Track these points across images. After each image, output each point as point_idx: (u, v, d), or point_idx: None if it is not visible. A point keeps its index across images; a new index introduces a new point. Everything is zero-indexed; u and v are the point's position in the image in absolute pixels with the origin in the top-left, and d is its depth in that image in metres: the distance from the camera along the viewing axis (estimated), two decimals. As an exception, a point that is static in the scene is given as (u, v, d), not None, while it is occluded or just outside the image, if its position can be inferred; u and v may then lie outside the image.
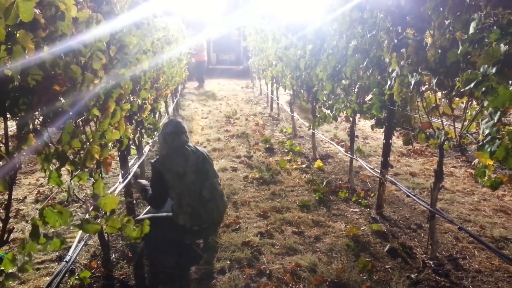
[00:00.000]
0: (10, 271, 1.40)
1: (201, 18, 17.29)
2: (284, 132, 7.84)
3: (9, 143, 1.50)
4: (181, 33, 9.40)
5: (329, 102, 5.01)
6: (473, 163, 4.97)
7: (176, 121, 3.35)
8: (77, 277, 2.80)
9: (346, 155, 4.88)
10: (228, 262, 3.04)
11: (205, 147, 6.72)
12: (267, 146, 6.68)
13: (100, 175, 2.71)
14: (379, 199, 3.93)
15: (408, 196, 3.53)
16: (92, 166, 2.11)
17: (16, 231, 3.62)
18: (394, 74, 3.18)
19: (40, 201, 4.39)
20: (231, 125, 8.55)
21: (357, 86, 4.26)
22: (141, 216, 3.28)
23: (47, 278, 2.85)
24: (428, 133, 3.10)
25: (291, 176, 5.16)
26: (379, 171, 4.05)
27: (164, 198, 3.07)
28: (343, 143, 6.79)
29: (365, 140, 7.03)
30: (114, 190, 3.25)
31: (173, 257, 3.07)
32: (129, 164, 4.03)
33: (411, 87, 2.96)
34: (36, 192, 4.57)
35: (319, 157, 6.04)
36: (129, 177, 3.55)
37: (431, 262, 3.04)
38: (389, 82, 3.31)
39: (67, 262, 2.11)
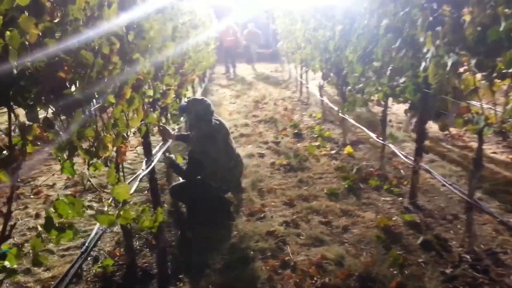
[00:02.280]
0: (14, 266, 1.35)
1: (229, 1, 17.11)
2: (313, 117, 7.64)
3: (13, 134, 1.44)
4: (208, 17, 9.30)
5: (360, 85, 4.78)
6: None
7: (207, 104, 3.59)
8: (100, 265, 2.80)
9: (377, 141, 4.67)
10: (252, 252, 2.95)
11: (232, 132, 6.64)
12: (296, 131, 6.52)
13: (121, 164, 2.67)
14: (412, 188, 3.72)
15: (443, 185, 3.31)
16: (107, 155, 2.05)
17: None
18: (429, 55, 2.95)
19: (69, 187, 4.45)
20: (259, 110, 8.43)
21: (389, 68, 4.02)
22: (178, 182, 3.82)
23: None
24: (466, 118, 2.87)
25: (320, 163, 5.01)
26: (412, 158, 3.83)
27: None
28: (375, 128, 6.53)
29: (399, 125, 6.73)
30: (137, 177, 3.21)
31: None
32: (154, 151, 3.99)
33: (448, 68, 2.73)
34: (66, 178, 4.64)
35: (349, 142, 5.83)
36: (153, 164, 3.51)
37: (468, 257, 2.84)
38: (423, 64, 3.08)
39: (83, 253, 2.07)
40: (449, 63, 2.70)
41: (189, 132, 3.99)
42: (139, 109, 2.49)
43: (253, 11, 17.17)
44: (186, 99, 3.98)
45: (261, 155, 5.33)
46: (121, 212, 1.98)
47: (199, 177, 3.61)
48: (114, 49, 2.02)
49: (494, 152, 5.26)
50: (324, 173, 4.65)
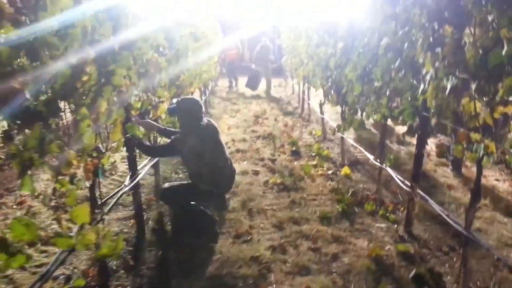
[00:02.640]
0: None
1: (237, 17, 17.11)
2: (313, 135, 7.49)
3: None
4: (212, 30, 9.23)
5: (359, 105, 4.64)
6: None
7: (197, 101, 3.64)
8: (71, 285, 2.64)
9: (374, 163, 4.50)
10: (233, 279, 2.78)
11: (229, 147, 6.50)
12: (294, 149, 6.36)
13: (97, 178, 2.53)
14: (408, 216, 3.54)
15: (440, 215, 3.13)
16: (71, 172, 1.90)
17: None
18: (428, 77, 2.81)
19: (55, 198, 4.29)
20: (259, 125, 8.29)
21: (389, 89, 3.88)
22: (167, 185, 3.85)
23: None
24: (465, 145, 2.71)
25: (315, 183, 4.84)
26: (405, 182, 3.67)
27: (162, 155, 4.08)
28: (375, 148, 6.36)
29: (400, 146, 6.56)
30: (118, 194, 3.07)
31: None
32: (142, 165, 3.85)
33: (447, 92, 2.58)
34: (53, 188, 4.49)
35: (347, 163, 5.66)
36: (137, 178, 3.37)
37: (463, 294, 2.65)
38: (422, 86, 2.94)
39: (42, 277, 1.91)
40: (448, 86, 2.56)
41: (175, 129, 3.97)
42: (117, 123, 2.36)
43: (260, 26, 17.19)
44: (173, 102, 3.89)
45: (256, 173, 5.17)
46: (79, 238, 1.82)
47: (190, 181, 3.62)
48: (87, 59, 1.89)
49: (497, 180, 5.08)
50: (319, 195, 4.47)
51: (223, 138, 7.02)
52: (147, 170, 3.98)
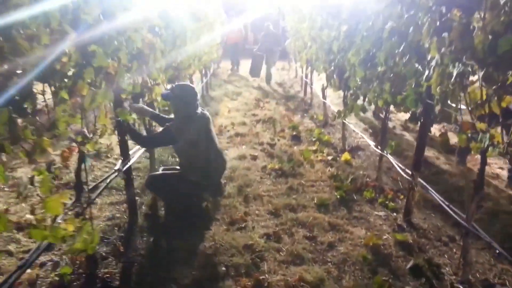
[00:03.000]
0: None
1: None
2: (314, 119, 7.37)
3: None
4: (215, 11, 9.02)
5: (361, 90, 4.51)
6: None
7: (192, 87, 3.51)
8: (57, 272, 2.57)
9: (375, 150, 4.40)
10: (224, 268, 2.71)
11: (228, 131, 6.40)
12: (294, 133, 6.26)
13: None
14: (407, 204, 3.45)
15: (441, 205, 3.04)
16: (47, 160, 1.81)
17: None
18: (433, 63, 2.67)
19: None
20: (260, 108, 8.17)
21: (392, 74, 3.74)
22: (156, 173, 3.69)
23: (28, 270, 2.64)
24: (470, 134, 2.60)
25: (314, 169, 4.74)
26: (407, 170, 3.57)
27: (153, 145, 3.89)
28: (377, 135, 6.25)
29: (402, 133, 6.44)
30: (107, 179, 2.99)
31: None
32: (134, 150, 3.76)
33: (453, 78, 2.45)
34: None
35: (348, 149, 5.56)
36: (129, 163, 3.28)
37: (461, 287, 2.58)
38: (427, 72, 2.81)
39: (20, 267, 1.83)
40: (455, 73, 2.43)
41: (169, 117, 3.80)
42: (101, 108, 2.25)
43: (264, 8, 16.85)
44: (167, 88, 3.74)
45: (254, 157, 5.07)
46: (51, 230, 1.73)
47: (178, 168, 3.55)
48: (66, 38, 1.78)
49: (501, 167, 4.97)
50: (317, 181, 4.38)
51: (223, 122, 6.96)
52: (141, 153, 3.89)
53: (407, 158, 5.24)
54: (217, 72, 13.21)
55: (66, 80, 1.87)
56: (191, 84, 3.53)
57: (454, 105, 2.94)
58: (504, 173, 4.76)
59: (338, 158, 5.15)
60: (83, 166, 2.60)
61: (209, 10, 7.64)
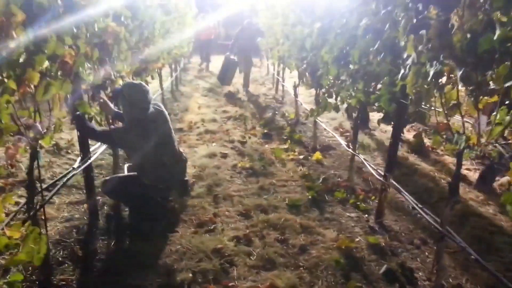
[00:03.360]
0: None
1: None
2: (286, 117, 7.28)
3: None
4: (186, 4, 8.77)
5: (334, 88, 4.44)
6: (499, 182, 4.35)
7: (144, 90, 3.11)
8: (7, 280, 2.34)
9: (347, 150, 4.34)
10: (191, 274, 2.55)
11: (198, 127, 6.22)
12: (265, 131, 6.14)
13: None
14: (379, 206, 3.40)
15: (414, 208, 2.99)
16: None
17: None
18: (409, 61, 2.61)
19: (3, 177, 3.93)
20: (231, 105, 8.01)
21: (366, 72, 3.68)
22: (111, 176, 3.46)
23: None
24: (445, 136, 2.55)
25: (285, 168, 4.64)
26: (379, 170, 3.52)
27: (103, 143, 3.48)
28: (348, 134, 6.22)
29: (373, 132, 6.44)
30: (64, 177, 2.77)
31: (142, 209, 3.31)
32: (95, 146, 3.54)
33: (429, 78, 2.39)
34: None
35: (319, 148, 5.50)
36: (89, 161, 3.06)
37: (435, 292, 2.53)
38: (402, 71, 2.74)
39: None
40: (431, 72, 2.36)
41: None
42: (55, 99, 2.05)
43: (238, 4, 16.64)
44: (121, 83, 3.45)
45: (224, 156, 4.92)
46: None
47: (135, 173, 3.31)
48: (13, 21, 1.57)
49: (468, 169, 5.02)
50: (289, 180, 4.28)
51: (193, 118, 6.76)
52: (104, 150, 3.66)
53: (376, 158, 5.24)
54: (188, 67, 12.94)
55: (16, 69, 1.66)
56: (142, 84, 3.16)
57: (428, 105, 2.90)
58: (471, 174, 4.81)
59: (309, 157, 5.07)
60: (36, 163, 2.38)
61: (180, 3, 7.40)
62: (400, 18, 2.74)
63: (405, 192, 3.05)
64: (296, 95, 7.16)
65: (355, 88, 3.82)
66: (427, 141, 5.61)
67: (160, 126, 3.22)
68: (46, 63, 1.92)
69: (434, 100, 2.68)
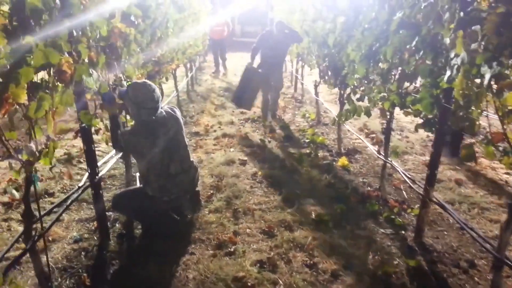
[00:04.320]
0: None
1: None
2: (306, 118, 6.92)
3: None
4: (200, 1, 8.49)
5: (361, 88, 4.08)
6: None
7: (150, 89, 2.84)
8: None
9: (378, 156, 3.97)
10: (209, 310, 2.26)
11: (215, 131, 5.92)
12: (285, 133, 5.82)
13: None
14: (419, 223, 3.04)
15: (462, 228, 2.63)
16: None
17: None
18: (457, 61, 2.24)
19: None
20: (249, 105, 7.68)
21: (399, 72, 3.32)
22: (120, 191, 3.29)
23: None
24: (500, 147, 2.19)
25: (309, 176, 4.31)
26: (417, 182, 3.17)
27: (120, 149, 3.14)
28: (374, 135, 5.84)
29: (401, 133, 6.03)
30: (68, 198, 2.50)
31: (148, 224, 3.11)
32: (103, 160, 3.28)
33: (486, 82, 2.03)
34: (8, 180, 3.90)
35: (344, 151, 5.14)
36: (97, 177, 2.79)
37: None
38: (448, 72, 2.38)
39: None
40: (487, 76, 2.00)
41: None
42: (48, 116, 1.77)
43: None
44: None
45: (243, 162, 4.62)
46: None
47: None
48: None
49: (507, 173, 4.60)
50: (313, 190, 3.95)
51: (209, 121, 6.47)
52: (115, 161, 3.40)
53: (407, 163, 4.86)
54: (203, 66, 12.67)
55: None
56: (147, 82, 2.88)
57: (478, 111, 2.53)
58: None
59: (334, 163, 4.72)
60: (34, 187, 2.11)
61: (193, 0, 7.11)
62: (445, 11, 2.38)
63: (450, 210, 2.68)
64: (316, 94, 6.81)
65: (386, 89, 3.46)
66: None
67: (170, 130, 2.96)
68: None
69: (485, 104, 2.32)
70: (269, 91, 6.50)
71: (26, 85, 1.60)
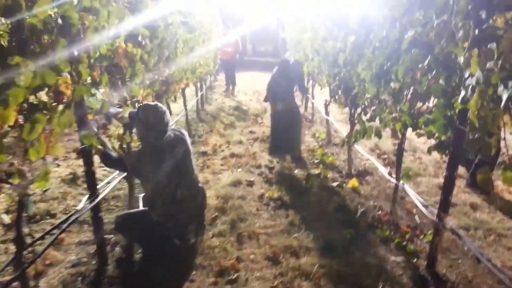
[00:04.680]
0: None
1: (239, 8, 16.25)
2: (316, 137, 6.81)
3: None
4: (212, 20, 8.54)
5: (372, 108, 3.97)
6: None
7: (160, 111, 2.76)
8: None
9: (390, 179, 3.83)
10: None
11: (223, 151, 5.83)
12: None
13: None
14: (432, 251, 2.86)
15: (479, 260, 2.46)
16: None
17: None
18: (472, 81, 2.12)
19: (10, 212, 3.64)
20: (258, 125, 7.61)
21: (410, 91, 3.21)
22: (123, 212, 3.24)
23: None
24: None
25: (318, 198, 4.17)
26: (430, 206, 3.01)
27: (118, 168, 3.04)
28: (385, 156, 5.69)
29: (414, 154, 5.87)
30: (63, 223, 2.41)
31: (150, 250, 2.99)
32: (104, 182, 3.21)
33: (503, 103, 1.90)
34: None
35: (355, 172, 5.00)
36: (97, 199, 2.71)
37: None
38: (463, 92, 2.25)
39: None
40: (505, 96, 1.87)
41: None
42: (41, 138, 1.70)
43: (263, 18, 16.42)
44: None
45: (250, 184, 4.50)
46: None
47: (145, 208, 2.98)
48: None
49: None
50: (322, 214, 3.81)
51: (218, 140, 6.40)
52: (112, 186, 3.32)
53: (420, 185, 4.68)
54: (214, 85, 12.70)
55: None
56: (158, 105, 2.83)
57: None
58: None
59: (344, 185, 4.58)
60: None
61: (204, 19, 7.14)
62: (459, 29, 2.28)
63: (465, 238, 2.52)
64: (327, 113, 6.70)
65: (398, 109, 3.35)
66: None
67: (177, 153, 2.87)
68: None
69: (503, 126, 2.19)
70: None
71: (17, 107, 1.53)
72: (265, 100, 5.92)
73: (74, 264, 2.86)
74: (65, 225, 2.37)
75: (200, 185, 3.09)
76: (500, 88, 1.88)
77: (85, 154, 2.61)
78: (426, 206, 3.05)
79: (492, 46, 1.91)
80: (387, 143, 6.20)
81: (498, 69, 1.89)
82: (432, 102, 2.94)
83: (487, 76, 1.99)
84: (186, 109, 6.93)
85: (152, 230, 2.85)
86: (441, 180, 4.89)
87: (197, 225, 3.16)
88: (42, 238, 2.24)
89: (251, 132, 7.01)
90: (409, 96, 3.22)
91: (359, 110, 4.41)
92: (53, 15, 1.96)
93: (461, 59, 2.28)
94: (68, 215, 2.51)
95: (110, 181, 3.51)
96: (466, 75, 2.19)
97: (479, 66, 2.02)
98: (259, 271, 2.81)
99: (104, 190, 2.97)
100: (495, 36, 2.07)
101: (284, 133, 5.45)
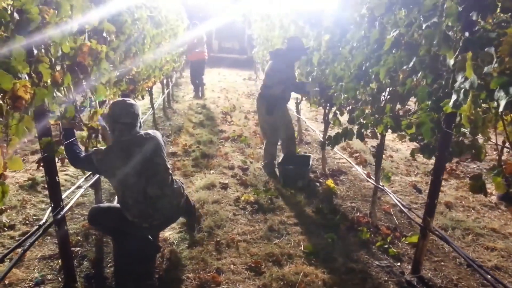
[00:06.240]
0: None
1: (203, 4, 15.90)
2: (288, 136, 6.69)
3: None
4: (177, 16, 8.25)
5: (348, 108, 3.91)
6: None
7: (127, 104, 2.72)
8: None
9: (368, 180, 3.78)
10: None
11: (193, 151, 5.62)
12: (267, 154, 5.55)
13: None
14: (417, 256, 2.81)
15: (469, 265, 2.42)
16: None
17: None
18: (466, 85, 2.05)
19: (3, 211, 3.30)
20: (228, 123, 7.42)
21: (387, 92, 3.15)
22: (100, 205, 3.02)
23: None
24: (512, 178, 2.00)
25: (295, 201, 4.06)
26: (411, 208, 2.97)
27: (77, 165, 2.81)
28: (358, 155, 5.67)
29: (385, 152, 5.88)
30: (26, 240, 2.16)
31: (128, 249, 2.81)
32: (69, 191, 2.95)
33: (501, 108, 1.84)
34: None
35: (329, 172, 4.94)
36: (63, 212, 2.45)
37: None
38: (454, 96, 2.19)
39: None
40: (503, 102, 1.81)
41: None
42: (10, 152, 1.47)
43: (229, 15, 16.15)
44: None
45: (224, 186, 4.33)
46: None
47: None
48: None
49: None
50: (300, 216, 3.70)
51: (187, 140, 6.16)
52: (77, 196, 3.05)
53: (394, 184, 4.69)
54: (180, 82, 12.36)
55: None
56: (128, 100, 2.75)
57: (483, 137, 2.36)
58: None
59: (319, 185, 4.50)
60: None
61: (170, 15, 6.86)
62: (451, 31, 2.21)
63: (454, 244, 2.48)
64: (298, 112, 6.63)
65: (375, 109, 3.28)
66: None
67: (146, 152, 2.73)
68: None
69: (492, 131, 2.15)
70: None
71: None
72: (269, 113, 4.66)
73: (37, 283, 2.60)
74: (27, 244, 2.12)
75: (176, 186, 2.92)
76: (500, 94, 1.82)
77: (46, 163, 2.35)
78: (409, 209, 3.00)
79: (490, 50, 1.84)
80: (358, 142, 6.17)
81: (498, 74, 1.83)
82: (415, 104, 2.88)
83: (486, 81, 1.93)
84: (153, 108, 6.64)
85: (127, 229, 2.73)
86: (413, 178, 4.93)
87: (188, 215, 3.25)
88: (1, 261, 1.98)
89: (221, 131, 6.82)
90: (387, 97, 3.16)
91: (333, 109, 4.34)
92: (8, 8, 1.73)
93: (450, 62, 2.22)
94: (31, 232, 2.25)
95: (75, 190, 3.24)
96: (459, 78, 2.12)
97: (472, 70, 1.95)
98: (241, 283, 2.65)
99: (70, 200, 2.70)
100: (488, 39, 2.02)
101: (292, 158, 4.76)
